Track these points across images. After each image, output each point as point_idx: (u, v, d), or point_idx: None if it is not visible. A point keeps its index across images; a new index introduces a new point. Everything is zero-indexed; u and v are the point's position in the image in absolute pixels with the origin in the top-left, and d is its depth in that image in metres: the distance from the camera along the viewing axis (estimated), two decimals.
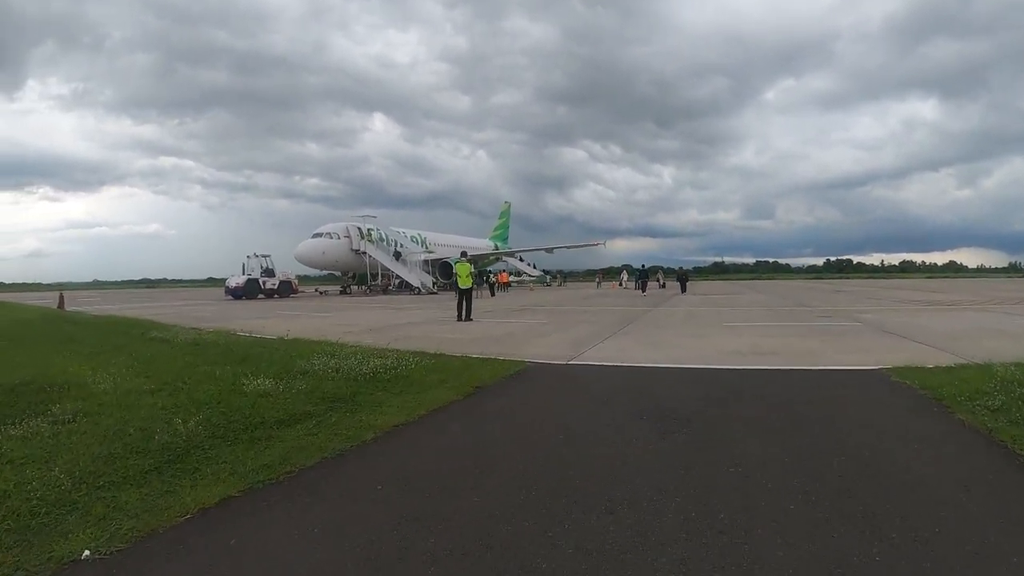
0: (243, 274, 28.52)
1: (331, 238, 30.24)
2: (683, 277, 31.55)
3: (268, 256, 29.47)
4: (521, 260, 46.85)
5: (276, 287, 28.69)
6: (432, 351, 6.81)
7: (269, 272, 29.05)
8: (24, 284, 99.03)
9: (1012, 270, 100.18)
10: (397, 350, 6.66)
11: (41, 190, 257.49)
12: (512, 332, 10.02)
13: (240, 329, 10.79)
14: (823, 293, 26.18)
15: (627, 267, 48.43)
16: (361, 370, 5.22)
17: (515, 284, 45.38)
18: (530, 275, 48.32)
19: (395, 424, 3.85)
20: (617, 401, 4.51)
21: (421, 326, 11.47)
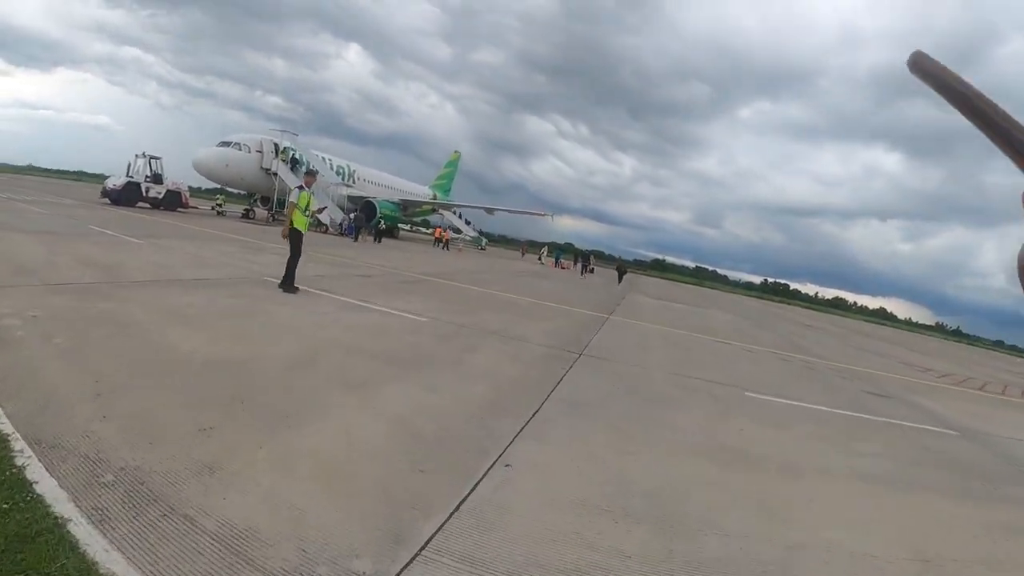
0: (126, 176, 23.21)
1: (239, 149, 25.00)
2: (622, 268, 33.19)
3: (159, 159, 23.88)
4: (452, 213, 40.46)
5: (161, 196, 23.44)
6: None
7: (156, 178, 23.65)
8: None
9: (938, 330, 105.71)
10: None
11: None
12: (320, 354, 4.54)
13: None
14: (797, 327, 22.60)
15: (569, 245, 48.41)
16: None
17: None
18: (467, 234, 41.91)
19: None
20: None
21: (206, 293, 7.14)
